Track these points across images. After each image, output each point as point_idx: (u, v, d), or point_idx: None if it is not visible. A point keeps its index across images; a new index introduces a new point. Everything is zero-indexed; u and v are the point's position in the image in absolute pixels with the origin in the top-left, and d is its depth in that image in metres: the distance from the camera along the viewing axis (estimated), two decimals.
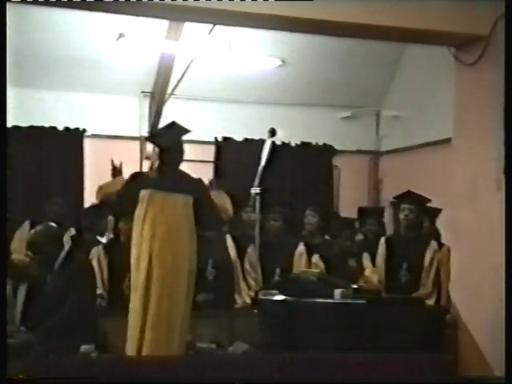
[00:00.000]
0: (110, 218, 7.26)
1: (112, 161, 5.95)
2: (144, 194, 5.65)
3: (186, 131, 5.81)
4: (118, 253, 6.38)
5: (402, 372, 5.15)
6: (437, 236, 7.31)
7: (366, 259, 7.16)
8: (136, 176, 5.83)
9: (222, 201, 5.95)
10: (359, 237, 7.68)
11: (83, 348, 5.38)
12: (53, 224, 6.15)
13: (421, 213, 7.09)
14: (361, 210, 8.28)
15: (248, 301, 7.08)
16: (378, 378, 5.07)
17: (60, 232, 6.05)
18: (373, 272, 7.10)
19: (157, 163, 5.93)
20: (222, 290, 6.89)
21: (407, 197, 7.18)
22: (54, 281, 5.68)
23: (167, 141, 5.75)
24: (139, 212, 5.65)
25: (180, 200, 5.68)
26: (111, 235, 7.18)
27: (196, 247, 5.71)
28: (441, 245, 7.08)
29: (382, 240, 7.18)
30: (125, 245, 6.03)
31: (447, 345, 5.43)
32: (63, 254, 5.74)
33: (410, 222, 7.03)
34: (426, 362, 5.29)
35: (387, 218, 8.50)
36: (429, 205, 7.34)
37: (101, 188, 5.91)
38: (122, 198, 5.73)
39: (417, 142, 9.64)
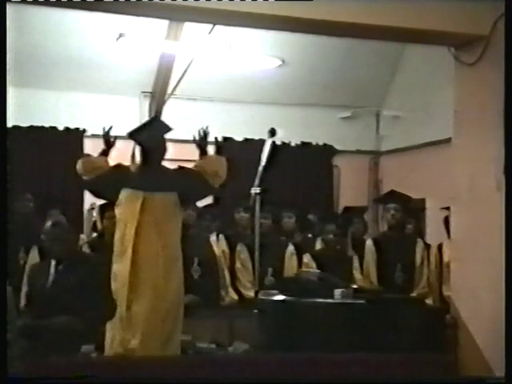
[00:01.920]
0: (95, 215, 7.26)
1: (108, 140, 5.88)
2: (125, 193, 5.60)
3: (168, 129, 5.78)
4: (102, 251, 6.35)
5: (402, 372, 5.15)
6: (421, 234, 7.35)
7: (356, 261, 7.17)
8: (119, 167, 5.77)
9: (214, 165, 5.85)
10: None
11: (83, 348, 5.37)
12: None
13: (405, 211, 7.13)
14: (346, 210, 8.33)
15: (235, 297, 7.10)
16: (378, 378, 5.07)
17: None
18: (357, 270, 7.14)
19: (139, 160, 5.90)
20: (208, 287, 6.91)
21: (392, 196, 7.21)
22: (63, 278, 5.63)
23: (149, 139, 5.70)
24: (121, 212, 5.62)
25: (163, 199, 5.63)
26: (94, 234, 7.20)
27: (180, 245, 5.69)
28: (426, 243, 7.13)
29: (369, 241, 7.20)
30: (109, 243, 6.00)
31: (447, 345, 5.42)
32: (72, 250, 5.71)
33: (397, 222, 7.06)
34: (426, 361, 5.29)
35: (368, 217, 8.51)
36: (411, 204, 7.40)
37: (83, 162, 5.88)
38: (105, 178, 5.69)
39: (417, 142, 9.65)
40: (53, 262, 5.64)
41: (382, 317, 5.92)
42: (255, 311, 6.37)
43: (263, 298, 6.27)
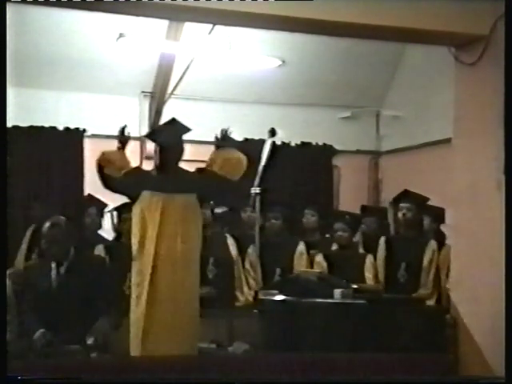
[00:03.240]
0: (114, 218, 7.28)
1: (122, 133, 5.83)
2: (145, 195, 5.62)
3: (187, 130, 5.79)
4: (119, 253, 6.38)
5: (402, 372, 5.15)
6: (439, 236, 7.30)
7: (368, 260, 7.16)
8: (138, 170, 5.80)
9: (226, 155, 5.83)
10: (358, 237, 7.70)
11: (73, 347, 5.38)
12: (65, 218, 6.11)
13: (419, 211, 7.10)
14: (363, 209, 8.28)
15: (250, 299, 7.10)
16: (378, 378, 5.07)
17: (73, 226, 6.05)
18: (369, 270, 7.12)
19: (157, 161, 5.90)
20: (223, 288, 6.91)
21: (404, 196, 7.20)
22: (68, 280, 5.62)
23: (167, 139, 5.71)
24: (141, 214, 5.63)
25: (182, 200, 5.65)
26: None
27: (200, 247, 5.70)
28: (442, 245, 7.08)
29: (382, 240, 7.19)
30: (126, 245, 6.02)
31: (447, 345, 5.42)
32: (72, 251, 5.70)
33: (409, 221, 7.04)
34: (426, 361, 5.29)
35: (389, 218, 8.50)
36: (432, 205, 7.36)
37: (103, 153, 5.77)
38: (128, 178, 5.68)
39: (417, 142, 9.64)
40: (53, 265, 5.63)
41: (382, 317, 5.93)
42: (255, 311, 6.38)
43: (263, 297, 6.27)
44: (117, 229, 6.99)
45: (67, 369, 4.88)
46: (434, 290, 6.94)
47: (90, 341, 5.39)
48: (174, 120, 5.81)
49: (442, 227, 7.44)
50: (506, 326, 4.72)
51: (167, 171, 5.70)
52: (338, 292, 5.97)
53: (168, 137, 5.71)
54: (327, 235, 7.86)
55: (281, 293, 6.16)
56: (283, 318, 5.97)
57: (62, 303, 5.49)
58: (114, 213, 7.18)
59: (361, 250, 7.38)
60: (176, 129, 5.78)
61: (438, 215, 7.46)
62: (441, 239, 7.20)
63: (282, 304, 6.02)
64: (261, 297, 6.34)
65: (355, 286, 6.38)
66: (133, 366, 5.12)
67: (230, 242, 7.25)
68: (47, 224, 5.69)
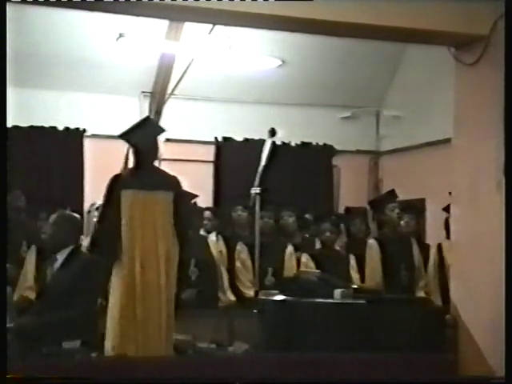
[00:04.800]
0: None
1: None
2: (125, 195, 5.60)
3: (161, 130, 5.79)
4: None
5: (402, 372, 5.15)
6: (418, 234, 7.37)
7: (352, 261, 7.19)
8: (115, 180, 5.77)
9: None
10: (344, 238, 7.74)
11: (65, 344, 5.36)
12: (75, 214, 6.09)
13: (404, 211, 7.18)
14: (347, 210, 8.33)
15: (232, 298, 7.10)
16: (378, 378, 5.07)
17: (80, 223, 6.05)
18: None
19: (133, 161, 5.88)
20: (206, 289, 6.91)
21: (394, 196, 7.22)
22: (59, 277, 5.63)
23: (142, 140, 5.68)
24: (123, 213, 5.61)
25: (161, 197, 5.64)
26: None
27: (177, 243, 5.69)
28: (423, 244, 7.16)
29: (373, 241, 7.20)
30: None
31: (447, 345, 5.42)
32: (67, 250, 5.71)
33: (398, 221, 7.09)
34: (426, 361, 5.29)
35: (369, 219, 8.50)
36: (412, 203, 7.42)
37: None
38: (106, 205, 5.70)
39: (417, 142, 9.66)
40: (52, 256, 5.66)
41: (382, 317, 5.92)
42: (255, 311, 6.38)
43: (263, 297, 6.27)
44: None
45: (67, 369, 4.88)
46: (428, 288, 6.99)
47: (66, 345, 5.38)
48: (147, 119, 5.77)
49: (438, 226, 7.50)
50: (506, 325, 4.73)
51: (144, 171, 5.67)
52: (337, 292, 5.97)
53: (142, 137, 5.66)
54: (306, 235, 7.92)
55: (281, 293, 6.16)
56: (283, 317, 5.97)
57: (53, 300, 5.52)
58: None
59: (342, 252, 7.40)
60: (150, 129, 5.77)
61: (419, 213, 7.52)
62: (420, 237, 7.29)
63: (282, 304, 6.02)
64: (261, 297, 6.34)
65: (355, 286, 6.39)
66: (132, 365, 5.12)
67: (216, 242, 7.26)
68: (54, 216, 5.73)
